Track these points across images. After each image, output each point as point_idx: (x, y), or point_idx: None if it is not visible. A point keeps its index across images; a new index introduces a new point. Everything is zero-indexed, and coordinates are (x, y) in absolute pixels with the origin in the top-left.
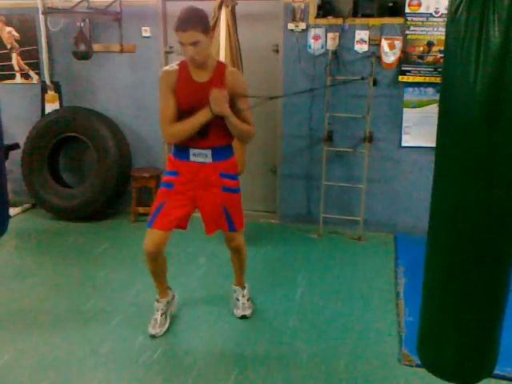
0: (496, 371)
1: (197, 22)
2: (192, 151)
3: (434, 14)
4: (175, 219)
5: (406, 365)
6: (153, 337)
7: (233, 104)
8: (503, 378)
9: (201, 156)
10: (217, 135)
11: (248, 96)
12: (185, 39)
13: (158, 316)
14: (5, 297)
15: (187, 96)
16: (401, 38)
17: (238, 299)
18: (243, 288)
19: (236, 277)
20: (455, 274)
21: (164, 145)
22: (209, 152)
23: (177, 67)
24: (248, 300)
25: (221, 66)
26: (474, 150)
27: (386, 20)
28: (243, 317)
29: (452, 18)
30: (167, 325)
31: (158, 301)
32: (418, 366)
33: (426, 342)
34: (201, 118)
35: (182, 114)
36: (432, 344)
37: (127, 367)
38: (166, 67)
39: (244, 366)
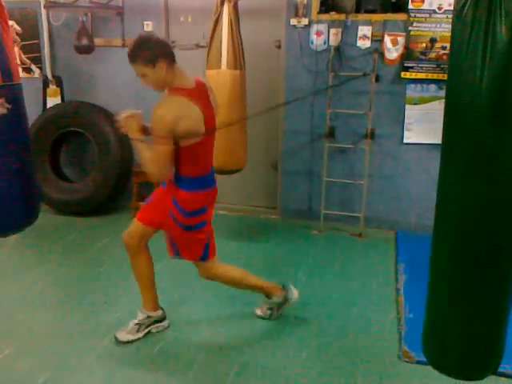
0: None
1: (136, 57)
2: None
3: (437, 10)
4: (153, 222)
5: (406, 361)
6: (116, 340)
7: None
8: (502, 375)
9: None
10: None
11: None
12: (134, 70)
13: (131, 322)
14: (5, 291)
15: None
16: (404, 34)
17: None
18: (267, 296)
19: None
20: (461, 272)
21: None
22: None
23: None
24: (268, 309)
25: (174, 90)
26: (480, 148)
27: (389, 16)
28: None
29: (458, 14)
30: (136, 337)
31: (140, 309)
32: (417, 362)
33: (431, 339)
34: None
35: None
36: (437, 341)
37: (127, 362)
38: None
39: (244, 362)
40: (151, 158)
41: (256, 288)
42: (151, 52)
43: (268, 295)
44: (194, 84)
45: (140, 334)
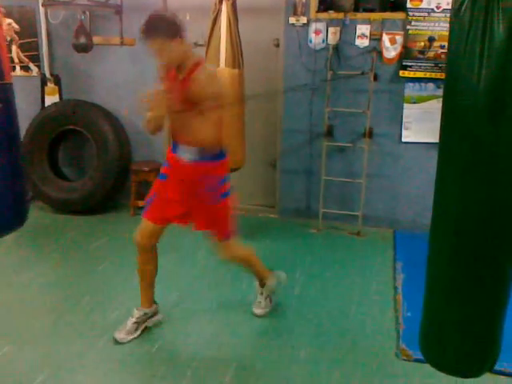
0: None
1: (153, 32)
2: (180, 146)
3: (435, 9)
4: (165, 218)
5: (404, 359)
6: (116, 341)
7: (200, 105)
8: (500, 373)
9: (187, 153)
10: (192, 135)
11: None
12: (148, 47)
13: (129, 322)
14: (3, 290)
15: (168, 92)
16: (402, 32)
17: (256, 296)
18: (261, 285)
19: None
20: (458, 271)
21: (164, 138)
22: (193, 150)
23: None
24: (266, 299)
25: (194, 67)
26: (477, 147)
27: (388, 15)
28: (255, 315)
29: (456, 13)
30: (136, 335)
31: (137, 307)
32: (415, 360)
33: (428, 337)
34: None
35: None
36: (434, 339)
37: (125, 361)
38: None
39: (242, 360)
40: (209, 127)
41: (260, 270)
42: (171, 27)
43: (263, 280)
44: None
45: (138, 332)
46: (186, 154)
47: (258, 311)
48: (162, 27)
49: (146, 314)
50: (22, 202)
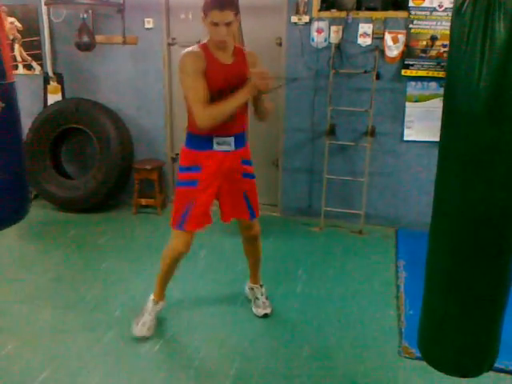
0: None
1: (232, 2)
2: (216, 139)
3: (437, 8)
4: (206, 217)
5: (406, 357)
6: (138, 339)
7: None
8: (501, 370)
9: (225, 144)
10: (239, 121)
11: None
12: (221, 18)
13: (148, 319)
14: (6, 287)
15: (217, 78)
16: (404, 31)
17: (257, 298)
18: (261, 286)
19: (252, 273)
20: (457, 270)
21: (166, 137)
22: (232, 139)
23: (200, 49)
24: (267, 298)
25: (239, 48)
26: (477, 146)
27: (390, 14)
28: (265, 315)
29: (457, 12)
30: (153, 330)
31: (156, 303)
32: (417, 358)
33: (427, 336)
34: (240, 99)
35: (210, 98)
36: (433, 338)
37: (129, 358)
38: (189, 50)
39: (245, 358)
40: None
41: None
42: (237, 3)
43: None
44: None
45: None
46: (231, 144)
47: (268, 310)
48: (235, 1)
49: (162, 307)
50: (24, 198)
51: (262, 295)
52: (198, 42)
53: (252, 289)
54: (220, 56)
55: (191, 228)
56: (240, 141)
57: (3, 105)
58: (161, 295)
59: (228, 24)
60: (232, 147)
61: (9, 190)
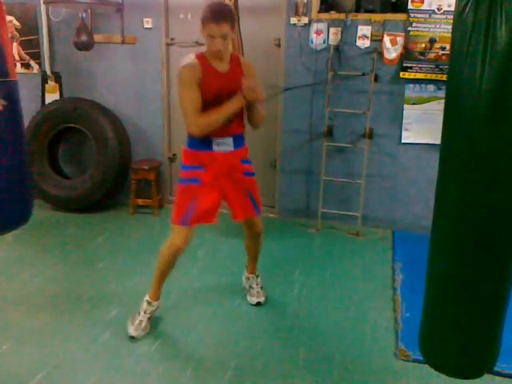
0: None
1: (228, 16)
2: (215, 141)
3: (436, 10)
4: (210, 215)
5: (403, 360)
6: (133, 338)
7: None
8: (498, 374)
9: (224, 145)
10: (237, 123)
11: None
12: (217, 31)
13: (144, 319)
14: (3, 287)
15: (213, 86)
16: (403, 34)
17: (252, 287)
18: (257, 276)
19: (251, 265)
20: (458, 271)
21: (164, 137)
22: (230, 140)
23: (197, 60)
24: (261, 288)
25: (235, 56)
26: (479, 148)
27: (389, 16)
28: (258, 304)
29: (459, 15)
30: (148, 329)
31: (149, 303)
32: (414, 361)
33: (428, 338)
34: (234, 105)
35: (207, 104)
36: (434, 340)
37: (126, 357)
38: (186, 62)
39: (242, 358)
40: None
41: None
42: (233, 16)
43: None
44: None
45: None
46: (230, 144)
47: (261, 299)
48: (232, 14)
49: (157, 307)
50: (29, 199)
51: (257, 284)
52: (196, 42)
53: (248, 278)
54: (217, 64)
55: (192, 224)
56: (239, 141)
57: (6, 103)
58: (156, 295)
59: (224, 36)
60: (231, 147)
61: (12, 191)
